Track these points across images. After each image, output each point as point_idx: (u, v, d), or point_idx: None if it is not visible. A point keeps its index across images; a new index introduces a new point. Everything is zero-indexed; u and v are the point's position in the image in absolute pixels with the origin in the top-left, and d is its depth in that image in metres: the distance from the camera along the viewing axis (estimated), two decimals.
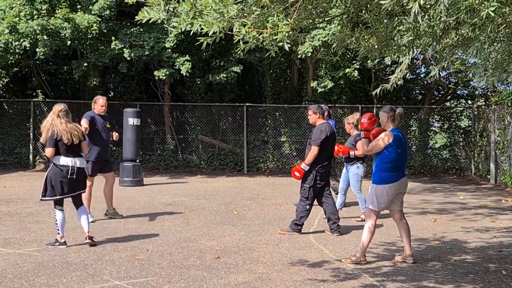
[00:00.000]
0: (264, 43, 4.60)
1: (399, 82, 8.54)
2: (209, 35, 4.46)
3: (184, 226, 9.07)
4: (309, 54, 16.29)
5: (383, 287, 5.84)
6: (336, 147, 8.87)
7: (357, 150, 9.21)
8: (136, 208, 10.66)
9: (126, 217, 9.63)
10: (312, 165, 8.26)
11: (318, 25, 14.60)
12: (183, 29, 4.48)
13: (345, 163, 9.77)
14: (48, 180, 7.37)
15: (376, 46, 6.08)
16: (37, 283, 5.85)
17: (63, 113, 7.45)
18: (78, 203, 7.58)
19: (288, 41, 4.56)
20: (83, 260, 6.76)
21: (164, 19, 4.44)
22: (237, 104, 19.79)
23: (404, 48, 6.20)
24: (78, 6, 16.25)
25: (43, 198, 7.47)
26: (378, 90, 8.51)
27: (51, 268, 6.41)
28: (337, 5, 5.47)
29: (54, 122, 7.40)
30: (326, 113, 9.36)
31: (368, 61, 16.13)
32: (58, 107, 7.50)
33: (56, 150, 7.35)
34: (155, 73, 17.12)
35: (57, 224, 7.40)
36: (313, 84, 18.03)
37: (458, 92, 22.21)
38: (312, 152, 8.22)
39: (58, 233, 7.41)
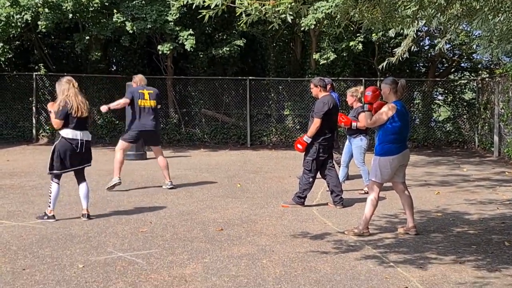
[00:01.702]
0: (267, 15, 4.57)
1: (404, 55, 8.48)
2: (211, 7, 4.42)
3: (187, 199, 9.10)
4: (312, 26, 16.13)
5: (385, 258, 5.87)
6: (339, 117, 8.87)
7: (359, 122, 9.21)
8: (139, 181, 10.69)
9: (129, 190, 9.67)
10: (315, 137, 8.25)
11: None
12: (185, 2, 4.46)
13: (348, 136, 9.76)
14: (57, 154, 7.28)
15: (379, 18, 6.03)
16: (41, 254, 5.89)
17: (77, 85, 7.41)
18: (81, 178, 7.52)
19: (291, 13, 4.52)
20: (87, 233, 6.80)
21: None
22: (240, 77, 19.69)
23: (408, 19, 6.14)
24: None
25: (51, 171, 7.35)
26: (384, 64, 8.46)
27: (55, 240, 6.45)
28: None
29: (70, 92, 7.30)
30: (329, 86, 9.29)
31: (373, 34, 15.97)
32: (71, 78, 7.45)
33: (64, 123, 7.28)
34: (159, 47, 16.99)
35: (50, 196, 7.35)
36: (316, 56, 17.90)
37: (462, 64, 22.07)
38: (315, 124, 8.20)
39: (49, 206, 7.39)
